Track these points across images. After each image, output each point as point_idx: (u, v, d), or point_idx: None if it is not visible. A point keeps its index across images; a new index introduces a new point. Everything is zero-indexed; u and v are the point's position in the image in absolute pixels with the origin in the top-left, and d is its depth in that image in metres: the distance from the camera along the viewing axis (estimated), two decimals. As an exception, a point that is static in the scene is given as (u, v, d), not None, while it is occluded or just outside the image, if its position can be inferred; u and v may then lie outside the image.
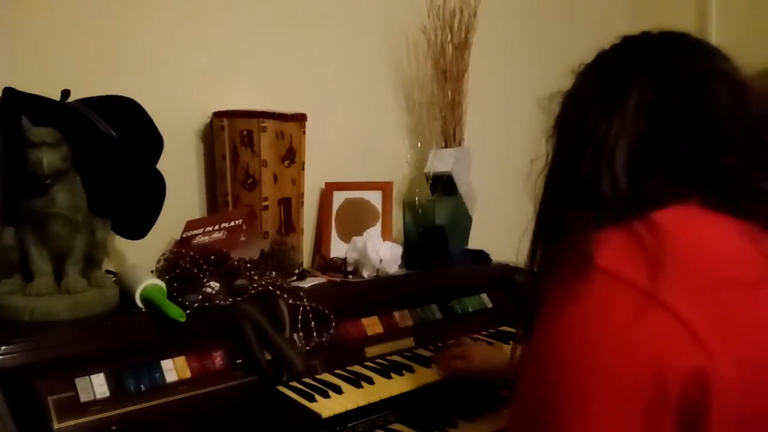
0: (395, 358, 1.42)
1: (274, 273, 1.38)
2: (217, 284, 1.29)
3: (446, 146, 1.91)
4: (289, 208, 1.60)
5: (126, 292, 1.26)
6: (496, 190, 2.04)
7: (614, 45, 0.90)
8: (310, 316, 1.33)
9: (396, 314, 1.50)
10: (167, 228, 1.43)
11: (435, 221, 1.71)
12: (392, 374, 1.33)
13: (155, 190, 1.31)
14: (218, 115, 1.57)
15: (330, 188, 1.77)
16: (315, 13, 1.80)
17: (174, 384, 1.16)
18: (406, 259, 1.66)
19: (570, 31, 2.35)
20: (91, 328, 1.16)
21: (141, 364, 1.14)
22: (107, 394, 1.09)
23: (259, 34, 1.70)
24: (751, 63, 0.88)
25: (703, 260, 0.71)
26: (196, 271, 1.30)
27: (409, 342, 1.48)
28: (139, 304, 1.23)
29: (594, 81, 0.87)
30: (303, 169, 1.62)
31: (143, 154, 1.29)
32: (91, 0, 1.45)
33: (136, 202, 1.30)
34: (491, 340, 1.54)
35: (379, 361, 1.40)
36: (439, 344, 1.50)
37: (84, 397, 1.07)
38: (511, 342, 1.50)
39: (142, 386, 1.12)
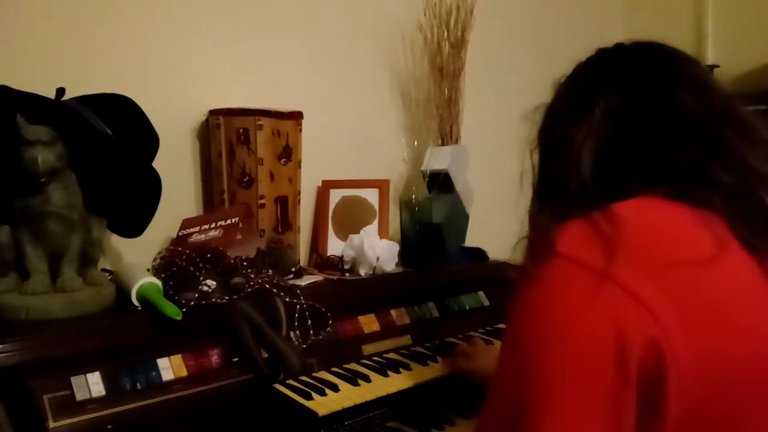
0: (392, 356, 1.42)
1: (270, 271, 1.38)
2: (214, 282, 1.29)
3: (443, 144, 1.90)
4: (285, 206, 1.60)
5: (122, 291, 1.26)
6: (492, 188, 2.04)
7: (589, 57, 0.94)
8: (307, 314, 1.33)
9: (393, 312, 1.50)
10: (163, 226, 1.43)
11: (432, 219, 1.71)
12: (389, 372, 1.33)
13: (151, 189, 1.31)
14: (214, 113, 1.57)
15: (327, 186, 1.77)
16: (311, 11, 1.80)
17: (170, 382, 1.15)
18: (403, 257, 1.66)
19: (567, 28, 2.35)
20: (87, 326, 1.16)
21: (137, 363, 1.14)
22: (103, 392, 1.08)
23: (255, 33, 1.69)
24: (746, 60, 0.88)
25: (656, 243, 0.75)
26: (192, 269, 1.29)
27: (406, 340, 1.48)
28: (135, 302, 1.23)
29: (567, 92, 0.92)
30: (299, 167, 1.62)
31: (139, 152, 1.29)
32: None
33: (132, 201, 1.30)
34: (489, 339, 1.54)
35: (376, 359, 1.40)
36: (437, 342, 1.50)
37: (80, 396, 1.06)
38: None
39: (138, 385, 1.12)
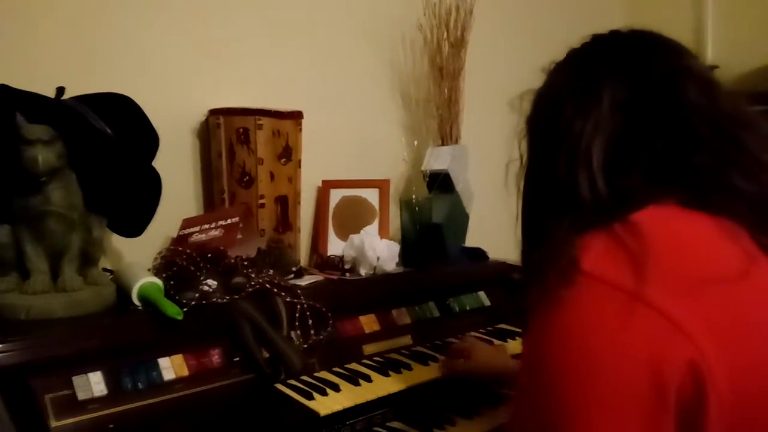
0: (393, 355, 1.42)
1: (271, 271, 1.38)
2: (214, 282, 1.28)
3: (443, 144, 1.90)
4: (285, 205, 1.60)
5: (123, 290, 1.26)
6: (492, 187, 2.02)
7: (585, 43, 0.90)
8: (308, 314, 1.33)
9: (393, 312, 1.50)
10: (164, 226, 1.42)
11: (432, 219, 1.71)
12: (390, 372, 1.33)
13: (151, 188, 1.30)
14: (214, 112, 1.56)
15: (327, 186, 1.77)
16: (311, 11, 1.80)
17: (171, 382, 1.15)
18: (404, 257, 1.66)
19: (567, 28, 2.34)
20: (88, 326, 1.16)
21: (138, 362, 1.14)
22: (105, 392, 1.08)
23: (255, 32, 1.69)
24: (746, 61, 0.88)
25: (684, 260, 0.73)
26: (193, 268, 1.29)
27: (406, 340, 1.48)
28: (136, 302, 1.23)
29: (566, 79, 0.87)
30: (299, 166, 1.62)
31: (139, 151, 1.29)
32: (87, -2, 1.45)
33: (132, 200, 1.30)
34: (490, 339, 1.54)
35: (376, 358, 1.40)
36: (437, 342, 1.50)
37: (81, 395, 1.06)
38: (508, 340, 1.52)
39: (139, 384, 1.12)
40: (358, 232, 1.61)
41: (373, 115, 1.94)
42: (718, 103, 0.82)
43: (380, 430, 1.27)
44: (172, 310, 1.16)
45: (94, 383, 1.08)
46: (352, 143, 1.88)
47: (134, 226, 1.33)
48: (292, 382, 1.26)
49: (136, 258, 1.40)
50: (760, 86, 2.12)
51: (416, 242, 1.69)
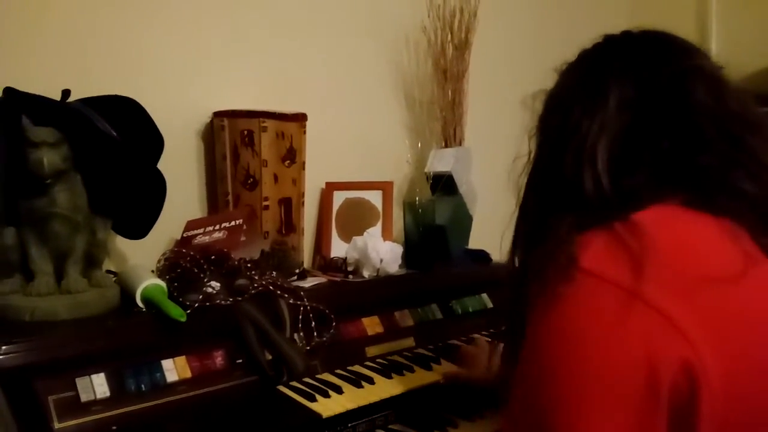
0: (396, 358, 1.42)
1: (274, 273, 1.38)
2: (218, 284, 1.29)
3: (446, 146, 1.90)
4: (289, 207, 1.60)
5: (126, 292, 1.26)
6: (496, 190, 2.03)
7: (596, 44, 0.91)
8: (311, 315, 1.33)
9: (396, 314, 1.50)
10: (168, 228, 1.43)
11: (435, 221, 1.71)
12: (393, 374, 1.33)
13: (156, 190, 1.31)
14: (219, 114, 1.57)
15: (330, 188, 1.77)
16: (315, 13, 1.80)
17: (175, 384, 1.16)
18: (407, 258, 1.66)
19: (570, 31, 2.34)
20: (92, 327, 1.17)
21: (141, 364, 1.14)
22: (108, 393, 1.09)
23: (259, 34, 1.70)
24: (750, 59, 0.88)
25: (683, 259, 0.73)
26: (196, 270, 1.29)
27: (409, 342, 1.48)
28: (140, 303, 1.23)
29: (575, 80, 0.88)
30: (303, 168, 1.62)
31: (144, 154, 1.29)
32: (92, 0, 1.45)
33: (137, 202, 1.31)
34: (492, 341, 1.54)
35: (379, 360, 1.40)
36: (440, 344, 1.50)
37: (84, 397, 1.07)
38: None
39: (142, 386, 1.12)
40: (362, 234, 1.62)
41: (376, 117, 1.94)
42: (726, 103, 0.82)
43: (382, 432, 1.28)
44: (176, 312, 1.16)
45: (98, 385, 1.08)
46: (355, 145, 1.88)
47: (138, 228, 1.34)
48: (295, 383, 1.26)
49: (140, 260, 1.40)
50: (765, 88, 2.12)
51: (419, 244, 1.69)
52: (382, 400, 1.25)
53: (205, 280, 1.28)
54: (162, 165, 1.32)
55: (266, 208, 1.56)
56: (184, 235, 1.43)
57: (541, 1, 2.36)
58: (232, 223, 1.46)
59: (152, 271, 1.33)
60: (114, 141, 1.23)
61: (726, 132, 0.80)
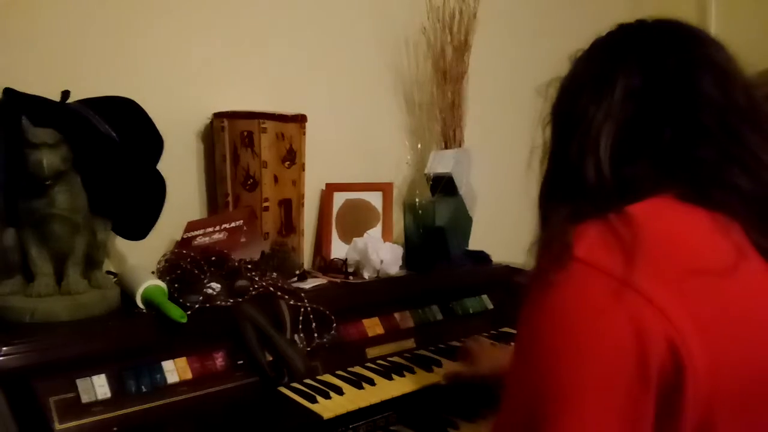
0: (396, 359, 1.42)
1: (274, 274, 1.38)
2: (218, 285, 1.29)
3: (446, 147, 1.91)
4: (289, 209, 1.60)
5: (127, 293, 1.26)
6: (496, 191, 2.04)
7: (610, 32, 0.91)
8: (311, 317, 1.33)
9: (397, 315, 1.50)
10: (168, 229, 1.43)
11: (435, 222, 1.71)
12: (393, 375, 1.33)
13: (156, 191, 1.31)
14: (218, 115, 1.57)
15: (330, 189, 1.77)
16: (315, 15, 1.80)
17: (175, 385, 1.16)
18: (407, 260, 1.66)
19: (570, 33, 2.34)
20: (92, 329, 1.16)
21: (142, 365, 1.14)
22: (108, 394, 1.09)
23: (259, 36, 1.70)
24: (750, 56, 0.88)
25: (674, 251, 0.74)
26: (196, 272, 1.29)
27: (410, 343, 1.48)
28: (140, 305, 1.23)
29: (586, 68, 0.89)
30: (303, 170, 1.62)
31: (143, 154, 1.29)
32: (92, 1, 1.45)
33: (137, 203, 1.30)
34: (492, 342, 1.54)
35: (380, 362, 1.40)
36: (440, 345, 1.50)
37: (85, 398, 1.07)
38: (511, 343, 1.51)
39: (143, 387, 1.12)
40: (362, 236, 1.62)
41: (376, 118, 1.94)
42: (732, 96, 0.82)
43: (383, 433, 1.28)
44: (176, 313, 1.16)
45: (98, 386, 1.08)
46: (355, 146, 1.88)
47: (139, 229, 1.34)
48: (296, 385, 1.26)
49: (141, 261, 1.40)
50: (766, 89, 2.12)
51: (419, 245, 1.69)
52: (382, 402, 1.25)
53: (206, 281, 1.28)
54: (162, 166, 1.32)
55: (266, 209, 1.55)
56: (185, 236, 1.43)
57: (541, 3, 2.36)
58: (233, 224, 1.46)
59: (152, 272, 1.33)
60: (114, 142, 1.23)
61: (725, 125, 0.80)
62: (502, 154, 2.03)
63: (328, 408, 1.19)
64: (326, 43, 1.82)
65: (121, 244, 1.45)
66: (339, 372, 1.33)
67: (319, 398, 1.21)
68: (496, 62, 2.13)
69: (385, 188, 1.78)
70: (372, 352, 1.42)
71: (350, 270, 1.59)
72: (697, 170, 0.79)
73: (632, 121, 0.81)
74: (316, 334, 1.33)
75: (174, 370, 1.17)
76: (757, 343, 0.73)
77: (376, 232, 1.70)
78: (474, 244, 1.87)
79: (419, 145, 2.00)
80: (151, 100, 1.33)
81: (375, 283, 1.56)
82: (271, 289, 1.31)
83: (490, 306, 1.67)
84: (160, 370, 1.16)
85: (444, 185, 1.80)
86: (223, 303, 1.25)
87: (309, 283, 1.49)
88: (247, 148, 1.53)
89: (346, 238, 1.70)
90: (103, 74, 1.45)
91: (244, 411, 1.17)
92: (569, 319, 0.71)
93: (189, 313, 1.19)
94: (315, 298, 1.37)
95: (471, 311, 1.63)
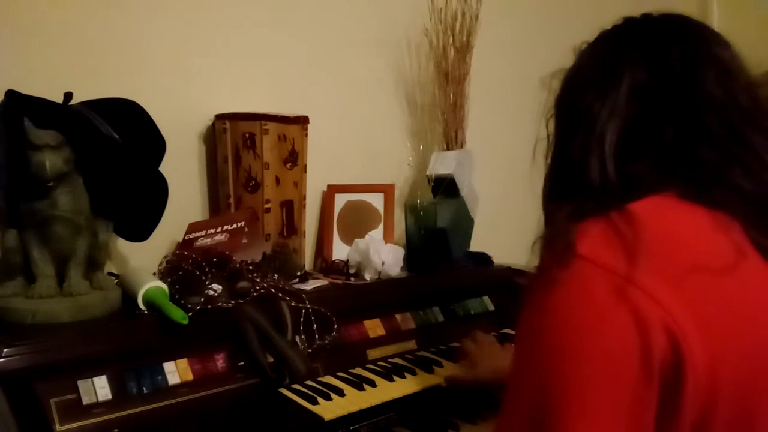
0: (397, 360, 1.42)
1: (276, 275, 1.38)
2: (220, 286, 1.29)
3: (448, 149, 1.90)
4: (291, 210, 1.60)
5: (128, 295, 1.26)
6: (497, 192, 2.04)
7: (615, 25, 0.91)
8: (312, 318, 1.33)
9: (398, 317, 1.50)
10: (169, 230, 1.43)
11: (437, 224, 1.71)
12: (394, 377, 1.33)
13: (157, 193, 1.31)
14: (220, 117, 1.57)
15: (332, 191, 1.77)
16: (317, 16, 1.80)
17: (176, 386, 1.16)
18: (408, 261, 1.66)
19: (573, 34, 2.34)
20: (94, 330, 1.17)
21: (143, 367, 1.15)
22: (109, 396, 1.09)
23: (261, 37, 1.70)
24: (753, 56, 0.87)
25: (676, 249, 0.75)
26: (198, 273, 1.30)
27: (411, 344, 1.48)
28: (142, 306, 1.23)
29: (591, 62, 0.88)
30: (305, 171, 1.62)
31: (146, 156, 1.30)
32: (94, 2, 1.45)
33: (139, 205, 1.31)
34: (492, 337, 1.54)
35: (381, 363, 1.40)
36: (442, 347, 1.50)
37: (86, 400, 1.07)
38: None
39: (144, 389, 1.12)
40: (363, 237, 1.62)
41: (378, 119, 1.94)
42: (735, 95, 0.82)
43: (384, 435, 1.28)
44: (178, 315, 1.17)
45: (99, 387, 1.09)
46: (357, 148, 1.88)
47: (140, 231, 1.34)
48: (297, 386, 1.27)
49: (142, 262, 1.40)
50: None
51: (421, 247, 1.69)
52: (383, 403, 1.25)
53: (207, 282, 1.28)
54: (164, 167, 1.32)
55: (268, 210, 1.56)
56: (186, 237, 1.43)
57: (543, 4, 2.36)
58: (234, 225, 1.47)
59: (154, 274, 1.33)
60: (116, 143, 1.23)
61: (728, 124, 0.80)
62: (504, 155, 2.03)
63: (328, 409, 1.19)
64: (328, 44, 1.83)
65: (122, 245, 1.45)
66: (340, 373, 1.34)
67: (320, 399, 1.21)
68: (499, 63, 2.13)
69: (386, 189, 1.78)
70: (373, 353, 1.42)
71: (351, 271, 1.59)
72: (699, 170, 0.80)
73: (637, 119, 0.81)
74: (317, 336, 1.33)
75: (175, 372, 1.17)
76: (756, 341, 0.73)
77: (377, 233, 1.70)
78: (475, 246, 1.87)
79: (421, 147, 2.00)
80: (153, 102, 1.33)
81: (376, 285, 1.56)
82: (273, 290, 1.31)
83: (492, 307, 1.67)
84: (161, 371, 1.16)
85: (445, 186, 1.80)
86: (224, 304, 1.26)
87: (310, 285, 1.49)
88: (249, 149, 1.54)
89: (348, 239, 1.70)
90: (106, 76, 1.45)
91: (245, 412, 1.17)
92: (572, 316, 0.72)
93: (190, 314, 1.19)
94: (316, 299, 1.37)
95: (472, 313, 1.63)
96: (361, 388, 1.27)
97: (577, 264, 0.72)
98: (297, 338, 1.31)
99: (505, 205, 2.05)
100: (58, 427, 1.02)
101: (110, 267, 1.39)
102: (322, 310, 1.35)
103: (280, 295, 1.32)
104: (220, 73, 1.63)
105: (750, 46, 0.88)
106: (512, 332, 1.60)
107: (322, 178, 1.75)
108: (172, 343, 1.19)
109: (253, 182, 1.55)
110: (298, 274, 1.51)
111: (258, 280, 1.32)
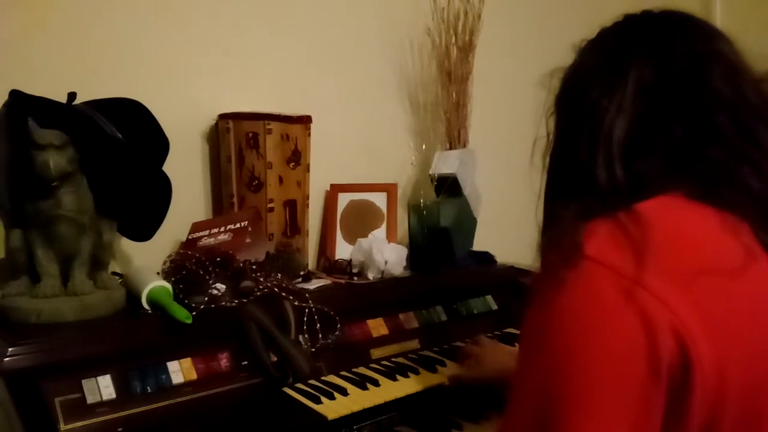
0: (400, 359, 1.42)
1: (279, 275, 1.38)
2: (223, 286, 1.29)
3: (451, 148, 1.90)
4: (294, 209, 1.61)
5: (132, 294, 1.27)
6: (500, 191, 2.04)
7: (616, 22, 0.90)
8: (316, 317, 1.33)
9: (401, 316, 1.50)
10: (173, 230, 1.43)
11: (440, 223, 1.71)
12: (397, 376, 1.33)
13: (161, 192, 1.31)
14: (224, 117, 1.57)
15: (335, 190, 1.78)
16: (320, 16, 1.80)
17: (180, 385, 1.16)
18: (411, 260, 1.66)
19: (575, 33, 2.34)
20: (98, 329, 1.17)
21: (147, 366, 1.15)
22: (114, 395, 1.09)
23: (264, 37, 1.70)
24: (754, 51, 0.87)
25: (684, 250, 0.74)
26: (202, 272, 1.30)
27: (414, 344, 1.48)
28: (146, 305, 1.23)
29: (594, 59, 0.87)
30: (308, 171, 1.62)
31: (149, 156, 1.30)
32: (97, 3, 1.45)
33: (143, 204, 1.31)
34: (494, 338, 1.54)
35: (384, 362, 1.40)
36: (445, 346, 1.50)
37: (91, 399, 1.07)
38: (516, 344, 1.51)
39: (148, 388, 1.13)
40: (366, 236, 1.62)
41: (381, 119, 1.94)
42: (743, 92, 0.81)
43: (387, 434, 1.28)
44: (182, 314, 1.17)
45: (103, 387, 1.09)
46: (360, 147, 1.88)
47: (144, 230, 1.34)
48: (300, 385, 1.27)
49: (146, 262, 1.40)
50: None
51: (424, 246, 1.69)
52: (386, 402, 1.25)
53: (211, 282, 1.29)
54: (167, 167, 1.32)
55: (271, 210, 1.56)
56: (190, 237, 1.43)
57: (545, 3, 2.36)
58: (237, 225, 1.47)
59: (158, 273, 1.33)
60: (120, 143, 1.23)
61: (737, 122, 0.79)
62: (507, 154, 2.02)
63: (332, 409, 1.19)
64: (331, 44, 1.83)
65: (126, 245, 1.46)
66: (343, 373, 1.34)
67: (323, 399, 1.21)
68: (501, 62, 2.13)
69: (389, 189, 1.78)
70: (376, 352, 1.42)
71: (355, 271, 1.60)
72: (707, 169, 0.79)
73: (643, 117, 0.80)
74: (320, 335, 1.33)
75: (179, 371, 1.17)
76: (764, 343, 0.73)
77: (380, 232, 1.71)
78: (478, 245, 1.87)
79: (424, 146, 2.00)
80: (157, 102, 1.33)
81: (379, 284, 1.56)
82: (276, 289, 1.31)
83: (495, 307, 1.67)
84: (165, 370, 1.16)
85: (448, 186, 1.80)
86: (227, 304, 1.26)
87: (313, 284, 1.49)
88: (252, 149, 1.54)
89: (351, 238, 1.70)
90: (109, 76, 1.45)
91: (249, 411, 1.17)
92: (579, 317, 0.71)
93: (194, 313, 1.19)
94: (319, 298, 1.37)
95: (475, 312, 1.63)
96: (365, 388, 1.27)
97: (584, 265, 0.72)
98: (300, 337, 1.32)
99: (508, 204, 2.04)
100: (62, 426, 1.03)
101: (114, 266, 1.39)
102: (326, 309, 1.35)
103: (284, 294, 1.32)
104: (223, 73, 1.63)
105: (753, 43, 0.87)
106: (516, 332, 1.60)
107: (325, 178, 1.76)
108: (175, 342, 1.19)
109: (257, 182, 1.55)
110: (302, 273, 1.51)
111: (261, 279, 1.32)
